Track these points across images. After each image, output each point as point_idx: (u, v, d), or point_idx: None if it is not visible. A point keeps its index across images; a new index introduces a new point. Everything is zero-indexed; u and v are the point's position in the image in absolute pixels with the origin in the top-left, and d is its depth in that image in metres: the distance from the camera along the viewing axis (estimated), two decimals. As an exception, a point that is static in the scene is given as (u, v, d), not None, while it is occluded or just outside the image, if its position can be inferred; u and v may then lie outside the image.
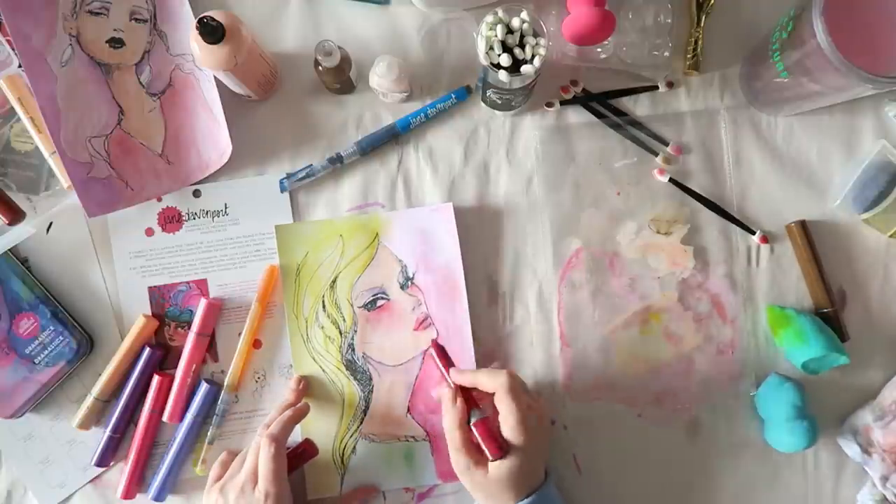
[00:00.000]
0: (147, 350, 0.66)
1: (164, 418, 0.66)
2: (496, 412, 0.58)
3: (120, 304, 0.68)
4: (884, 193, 0.66)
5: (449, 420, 0.58)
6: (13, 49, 0.67)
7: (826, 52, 0.53)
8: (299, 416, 0.62)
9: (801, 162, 0.70)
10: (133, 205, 0.68)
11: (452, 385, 0.61)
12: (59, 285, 0.68)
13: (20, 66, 0.66)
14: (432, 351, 0.64)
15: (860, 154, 0.69)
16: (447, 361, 0.62)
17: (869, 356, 0.68)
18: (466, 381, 0.60)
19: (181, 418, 0.66)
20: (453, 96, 0.69)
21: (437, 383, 0.67)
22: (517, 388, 0.57)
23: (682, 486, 0.68)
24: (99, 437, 0.66)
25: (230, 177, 0.69)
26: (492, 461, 0.56)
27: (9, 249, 0.66)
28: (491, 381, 0.58)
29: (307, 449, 0.64)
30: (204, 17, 0.57)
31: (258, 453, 0.58)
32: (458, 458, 0.57)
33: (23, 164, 0.69)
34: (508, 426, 0.56)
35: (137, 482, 0.66)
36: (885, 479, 0.64)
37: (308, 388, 0.67)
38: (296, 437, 0.66)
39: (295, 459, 0.63)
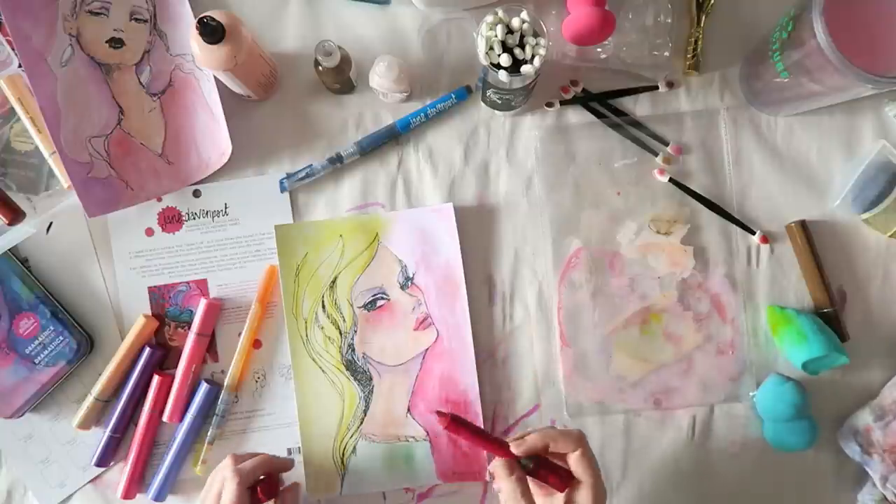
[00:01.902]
0: (147, 350, 0.67)
1: (164, 418, 0.66)
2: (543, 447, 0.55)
3: (120, 304, 0.68)
4: (884, 193, 0.66)
5: (512, 495, 0.53)
6: (13, 49, 0.66)
7: (826, 52, 0.53)
8: (279, 466, 0.59)
9: (801, 162, 0.70)
10: (133, 205, 0.68)
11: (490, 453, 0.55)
12: (59, 285, 0.68)
13: (20, 66, 0.66)
14: (440, 423, 0.54)
15: (860, 154, 0.69)
16: (473, 429, 0.55)
17: (869, 356, 0.68)
18: (536, 446, 0.54)
19: (181, 418, 0.66)
20: (453, 96, 0.69)
21: (440, 384, 0.67)
22: (589, 447, 0.55)
23: (682, 487, 0.68)
24: (99, 437, 0.66)
25: (230, 177, 0.69)
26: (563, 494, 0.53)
27: (9, 249, 0.66)
28: (568, 443, 0.54)
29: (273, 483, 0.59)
30: (204, 17, 0.57)
31: (220, 491, 0.56)
32: None
33: (23, 164, 0.69)
34: (587, 483, 0.53)
35: (137, 482, 0.67)
36: (885, 479, 0.64)
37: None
38: (295, 439, 0.67)
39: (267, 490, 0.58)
